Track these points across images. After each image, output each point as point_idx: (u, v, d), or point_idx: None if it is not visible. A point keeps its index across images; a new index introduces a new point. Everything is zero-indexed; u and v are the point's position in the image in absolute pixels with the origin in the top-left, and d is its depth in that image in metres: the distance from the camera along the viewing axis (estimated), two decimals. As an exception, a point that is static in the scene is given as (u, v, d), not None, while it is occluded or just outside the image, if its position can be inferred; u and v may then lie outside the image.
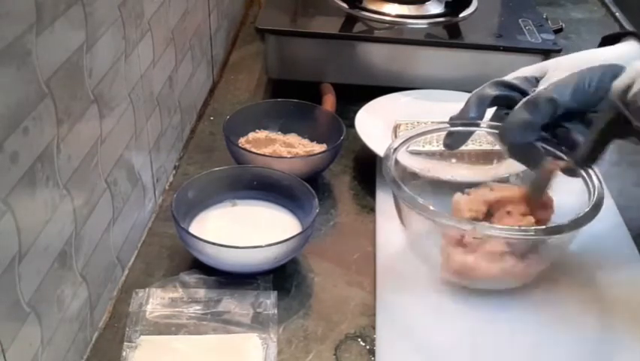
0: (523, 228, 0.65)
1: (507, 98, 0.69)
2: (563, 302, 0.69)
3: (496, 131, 0.70)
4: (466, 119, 0.72)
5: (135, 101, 0.71)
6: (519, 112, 0.66)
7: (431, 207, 0.64)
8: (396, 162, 0.71)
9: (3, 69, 0.46)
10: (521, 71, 0.72)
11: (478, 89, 0.72)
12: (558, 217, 0.68)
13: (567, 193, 0.70)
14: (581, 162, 0.66)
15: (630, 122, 0.60)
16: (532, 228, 0.65)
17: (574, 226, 0.64)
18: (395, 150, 0.72)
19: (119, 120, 0.67)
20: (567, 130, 0.67)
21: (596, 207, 0.65)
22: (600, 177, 0.68)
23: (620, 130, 0.63)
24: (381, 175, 0.85)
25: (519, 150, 0.70)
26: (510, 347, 0.65)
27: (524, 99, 0.67)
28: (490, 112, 0.73)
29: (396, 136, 0.89)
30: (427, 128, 0.76)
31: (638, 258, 0.75)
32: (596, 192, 0.66)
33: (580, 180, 0.69)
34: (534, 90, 0.68)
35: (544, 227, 0.65)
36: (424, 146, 0.78)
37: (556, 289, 0.70)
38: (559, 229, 0.64)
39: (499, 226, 0.65)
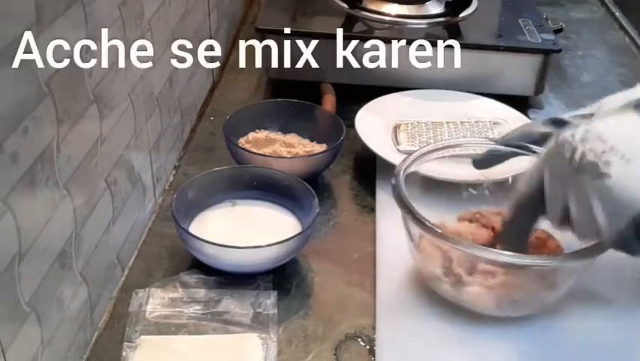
0: (543, 255, 0.66)
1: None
2: (562, 308, 0.68)
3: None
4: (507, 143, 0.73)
5: (135, 101, 0.71)
6: None
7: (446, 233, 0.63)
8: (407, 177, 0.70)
9: (3, 69, 0.46)
10: (580, 110, 0.68)
11: (530, 122, 0.76)
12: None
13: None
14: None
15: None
16: (554, 255, 0.65)
17: (591, 253, 0.61)
18: (405, 169, 0.70)
19: (118, 120, 0.67)
20: None
21: None
22: None
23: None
24: (381, 175, 0.85)
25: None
26: (512, 351, 0.64)
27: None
28: None
29: (396, 136, 0.90)
30: (429, 148, 0.75)
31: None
32: None
33: None
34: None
35: (563, 254, 0.65)
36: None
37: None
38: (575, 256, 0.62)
39: (520, 255, 0.62)
